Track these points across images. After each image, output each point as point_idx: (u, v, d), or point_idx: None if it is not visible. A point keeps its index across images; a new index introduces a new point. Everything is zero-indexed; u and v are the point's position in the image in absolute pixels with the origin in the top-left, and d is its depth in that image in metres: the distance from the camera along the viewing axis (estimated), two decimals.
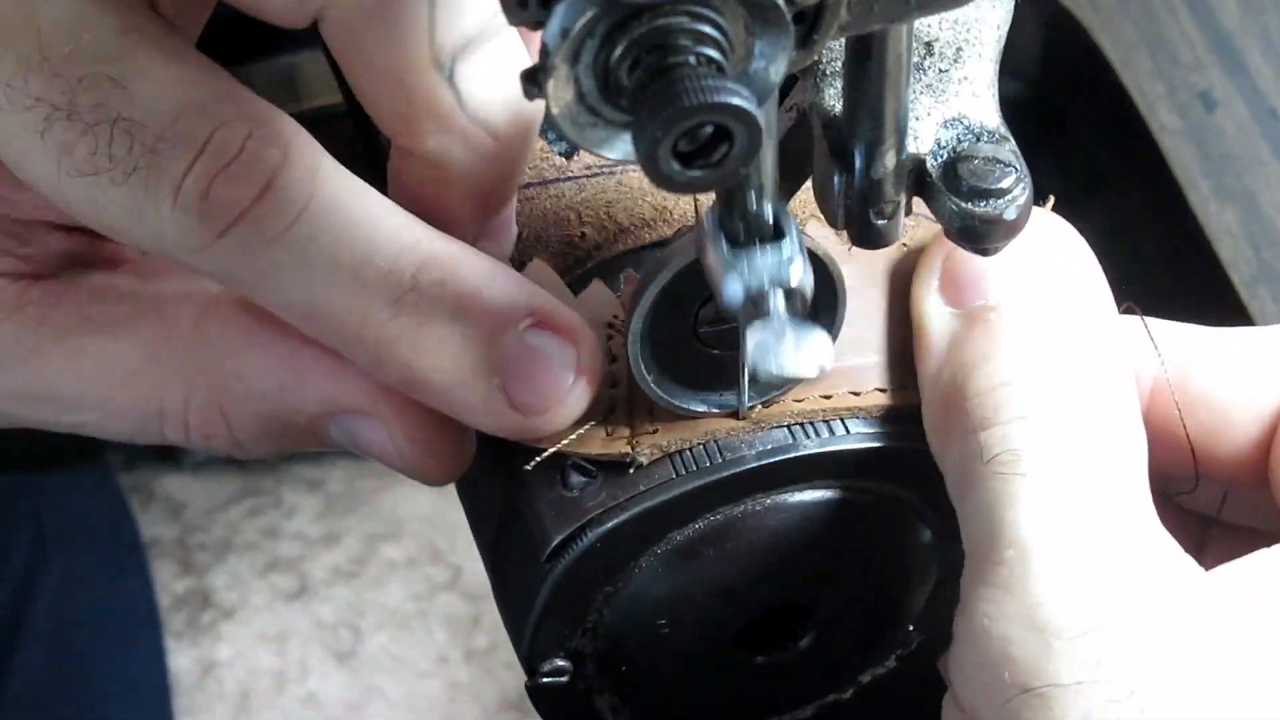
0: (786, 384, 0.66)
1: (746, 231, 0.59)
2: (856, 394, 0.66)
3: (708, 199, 0.62)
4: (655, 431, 0.66)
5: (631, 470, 0.65)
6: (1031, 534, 0.59)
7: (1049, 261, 0.64)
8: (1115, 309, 0.66)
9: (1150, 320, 0.68)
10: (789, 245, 0.58)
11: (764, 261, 0.58)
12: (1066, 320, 0.64)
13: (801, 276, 0.58)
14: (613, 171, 0.71)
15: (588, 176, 0.71)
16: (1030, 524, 0.59)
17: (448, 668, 1.26)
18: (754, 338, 0.57)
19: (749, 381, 0.65)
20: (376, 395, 0.65)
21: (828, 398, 0.66)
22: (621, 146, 0.54)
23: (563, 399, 0.64)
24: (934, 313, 0.65)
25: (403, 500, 1.31)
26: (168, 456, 1.35)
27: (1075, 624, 0.57)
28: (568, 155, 0.72)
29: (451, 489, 1.32)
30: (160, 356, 0.66)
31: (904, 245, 0.67)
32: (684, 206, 0.71)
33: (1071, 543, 0.59)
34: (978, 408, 0.62)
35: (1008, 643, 0.58)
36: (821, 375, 0.57)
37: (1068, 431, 0.61)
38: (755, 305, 0.58)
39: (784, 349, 0.56)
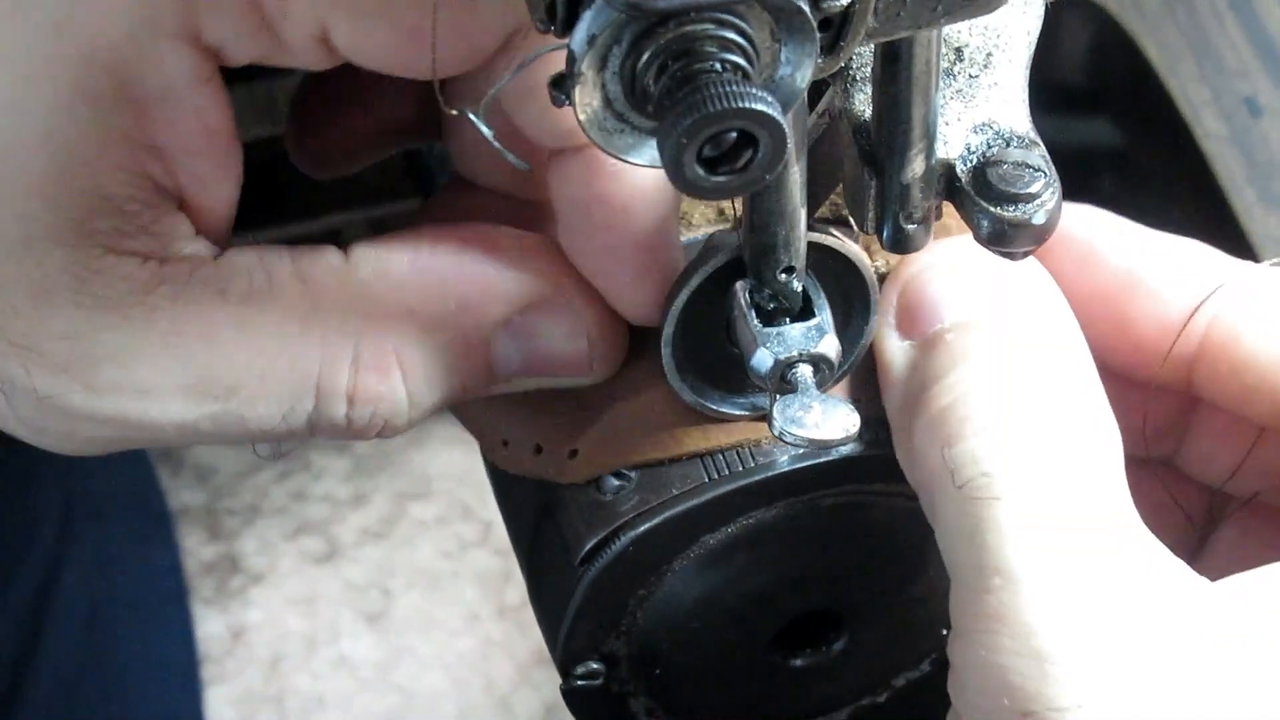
0: None
1: (777, 306, 0.61)
2: None
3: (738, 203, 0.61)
4: None
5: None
6: (1016, 561, 0.59)
7: (1003, 280, 0.64)
8: (1073, 317, 0.65)
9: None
10: (818, 320, 0.61)
11: (793, 335, 0.60)
12: (1022, 329, 0.63)
13: (830, 351, 0.60)
14: None
15: None
16: (1014, 550, 0.59)
17: (480, 624, 1.26)
18: (782, 407, 0.59)
19: None
20: (564, 282, 0.65)
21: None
22: (648, 152, 0.54)
23: None
24: (892, 347, 0.65)
25: (431, 459, 1.31)
26: None
27: (1070, 648, 0.58)
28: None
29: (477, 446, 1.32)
30: (317, 316, 0.63)
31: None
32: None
33: (1057, 565, 0.59)
34: (941, 424, 0.62)
35: (1006, 671, 0.58)
36: (847, 441, 0.59)
37: (1035, 443, 0.61)
38: (783, 377, 0.60)
39: (811, 419, 0.59)
